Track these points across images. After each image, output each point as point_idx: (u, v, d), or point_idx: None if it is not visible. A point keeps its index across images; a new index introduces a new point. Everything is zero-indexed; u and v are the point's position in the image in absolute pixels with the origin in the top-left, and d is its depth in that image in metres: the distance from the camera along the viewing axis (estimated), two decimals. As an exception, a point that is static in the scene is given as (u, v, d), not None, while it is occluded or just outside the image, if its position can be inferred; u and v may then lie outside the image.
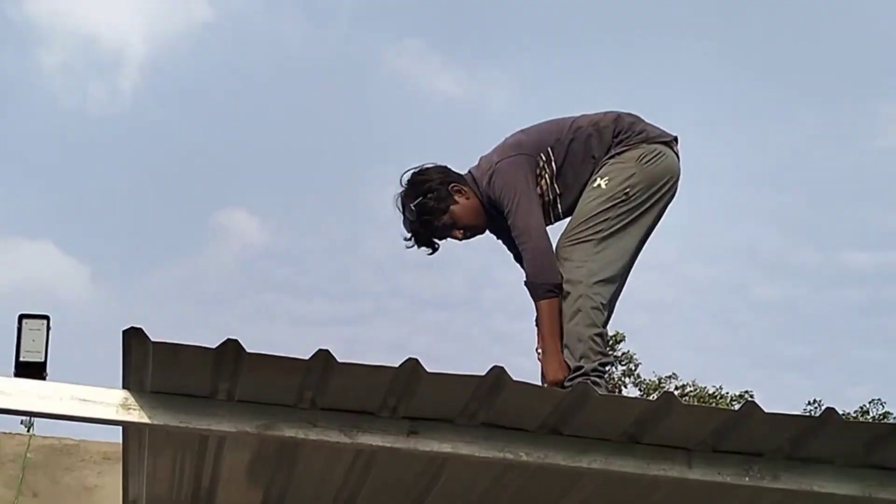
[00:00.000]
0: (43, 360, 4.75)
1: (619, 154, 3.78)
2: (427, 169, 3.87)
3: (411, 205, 3.80)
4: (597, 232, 3.67)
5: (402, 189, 3.86)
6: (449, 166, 3.91)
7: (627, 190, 3.71)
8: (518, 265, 3.93)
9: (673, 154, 3.84)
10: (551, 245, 3.71)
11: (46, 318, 4.66)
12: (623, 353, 19.54)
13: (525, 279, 3.72)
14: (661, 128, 3.90)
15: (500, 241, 3.98)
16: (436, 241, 3.87)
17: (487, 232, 3.94)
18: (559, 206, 3.80)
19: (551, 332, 3.63)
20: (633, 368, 19.38)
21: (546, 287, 3.64)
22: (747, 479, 2.91)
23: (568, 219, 3.80)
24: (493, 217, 3.84)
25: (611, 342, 18.93)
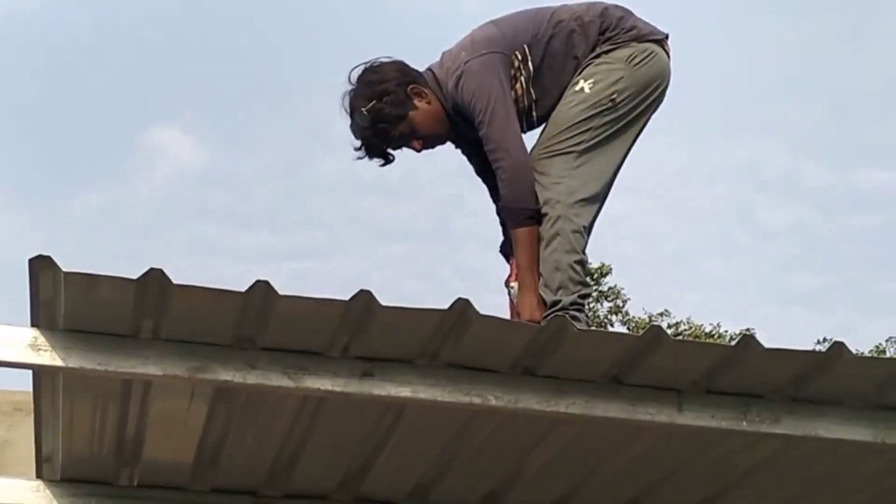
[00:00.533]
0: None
1: (605, 53, 3.73)
2: (382, 65, 3.78)
3: (363, 109, 3.70)
4: (578, 143, 3.64)
5: (352, 89, 3.76)
6: (406, 62, 3.83)
7: (615, 96, 3.68)
8: (481, 180, 3.91)
9: (664, 54, 3.81)
10: (531, 163, 3.67)
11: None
12: (609, 288, 19.73)
13: (501, 202, 3.69)
14: (652, 24, 3.86)
15: (459, 151, 3.94)
16: (390, 151, 3.81)
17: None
18: (534, 112, 3.76)
19: (529, 265, 3.62)
20: (621, 305, 19.60)
21: (526, 213, 3.61)
22: (744, 423, 2.95)
23: (543, 126, 3.77)
24: (457, 124, 3.79)
25: (595, 275, 19.08)
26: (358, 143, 3.76)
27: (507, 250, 3.83)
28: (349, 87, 3.76)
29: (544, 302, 3.56)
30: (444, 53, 3.82)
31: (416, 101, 3.73)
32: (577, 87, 3.71)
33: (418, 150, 3.80)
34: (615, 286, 19.83)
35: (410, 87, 3.73)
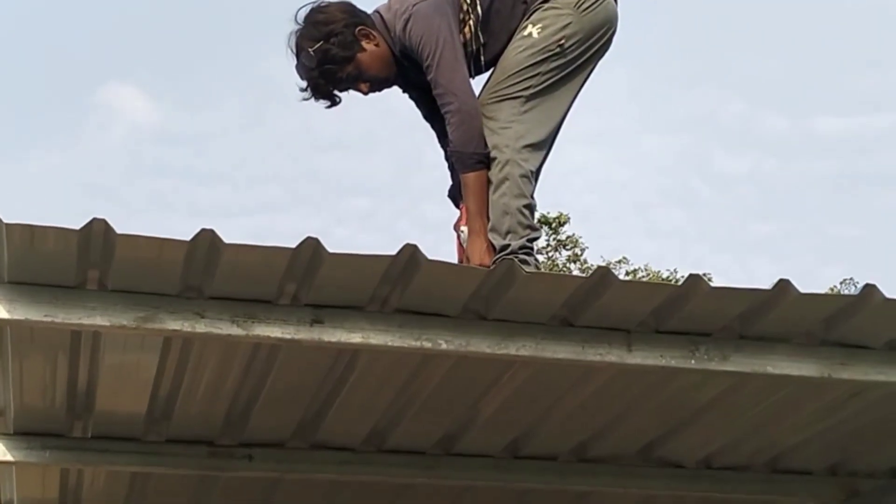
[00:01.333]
0: None
1: None
2: (329, 5, 3.71)
3: (310, 50, 3.64)
4: (525, 88, 3.62)
5: (299, 29, 3.69)
6: (354, 3, 3.77)
7: (562, 41, 3.66)
8: (430, 125, 3.88)
9: (612, 1, 3.79)
10: (479, 107, 3.64)
11: None
12: (567, 237, 19.76)
13: (450, 147, 3.67)
14: None
15: (406, 96, 3.91)
16: (337, 93, 3.77)
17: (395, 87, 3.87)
18: (483, 56, 3.72)
19: (479, 209, 3.60)
20: (579, 254, 19.63)
21: (475, 157, 3.59)
22: (693, 361, 2.96)
23: (491, 70, 3.74)
24: (405, 68, 3.75)
25: (553, 224, 19.11)
26: (304, 84, 3.72)
27: (455, 194, 3.81)
28: (296, 27, 3.71)
29: (493, 247, 3.55)
30: None
31: (363, 43, 3.68)
32: (526, 33, 3.68)
33: (365, 93, 3.76)
34: (573, 235, 19.87)
35: (358, 28, 3.68)
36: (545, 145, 3.64)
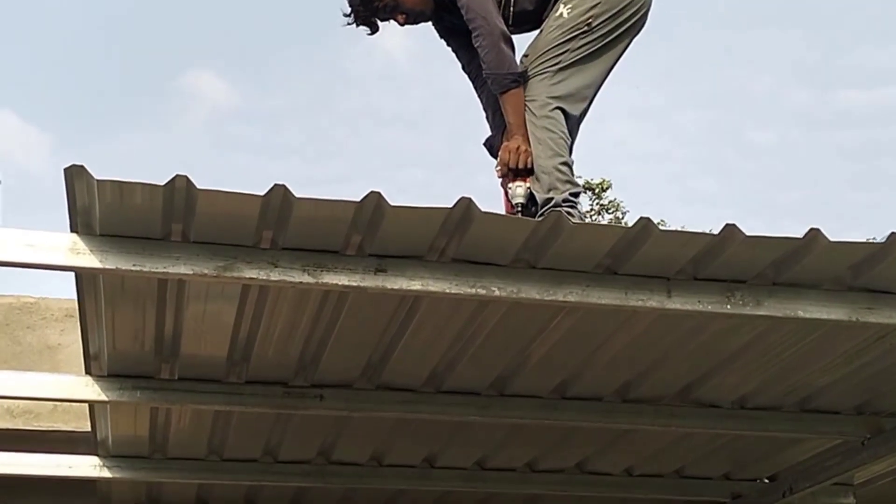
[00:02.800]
0: (-5, 216, 4.72)
1: None
2: None
3: None
4: (556, 63, 3.62)
5: None
6: None
7: (590, 21, 3.64)
8: (467, 76, 3.87)
9: None
10: (507, 31, 3.62)
11: (-4, 177, 4.62)
12: (610, 202, 19.59)
13: (485, 71, 3.65)
14: None
15: (449, 49, 3.89)
16: (377, 20, 3.78)
17: (448, 48, 3.85)
18: (511, 9, 3.70)
19: (518, 123, 3.61)
20: (620, 217, 19.43)
21: (510, 77, 3.59)
22: (729, 306, 2.92)
23: (524, 38, 3.73)
24: (443, 6, 3.72)
25: (597, 190, 18.97)
26: (348, 10, 3.75)
27: (491, 143, 3.81)
28: None
29: (529, 151, 3.55)
30: None
31: None
32: (557, 13, 3.68)
33: (401, 24, 3.80)
34: (615, 199, 19.71)
35: None
36: (576, 110, 3.62)
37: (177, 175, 2.45)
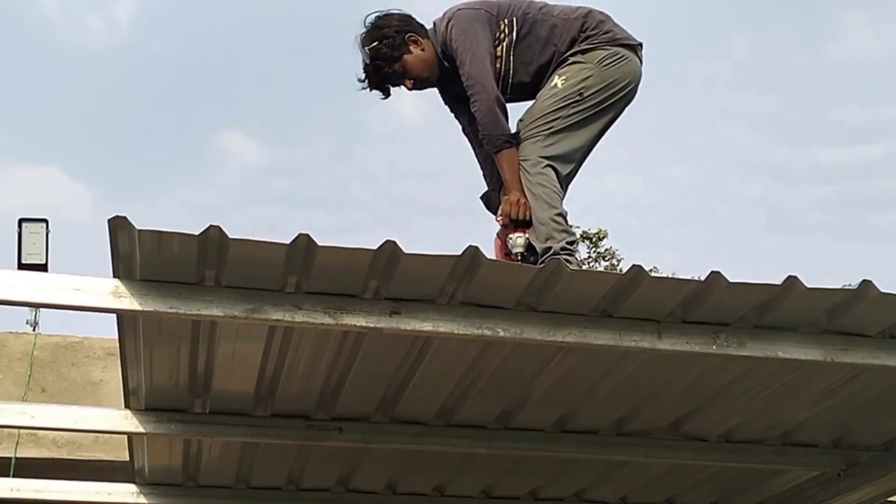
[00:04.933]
0: (44, 261, 4.76)
1: (582, 52, 3.71)
2: (389, 15, 3.79)
3: (367, 48, 3.73)
4: (549, 127, 3.65)
5: (363, 31, 3.78)
6: (413, 16, 3.83)
7: (582, 91, 3.67)
8: (467, 139, 3.90)
9: (636, 59, 3.78)
10: (501, 97, 3.65)
11: (45, 221, 4.65)
12: (606, 250, 19.56)
13: (481, 132, 3.69)
14: (628, 31, 3.83)
15: (452, 114, 3.93)
16: (388, 86, 3.81)
17: (451, 113, 3.89)
18: (510, 80, 3.73)
19: (514, 179, 3.64)
20: (616, 264, 19.39)
21: (503, 137, 3.62)
22: (714, 347, 2.91)
23: (520, 105, 3.76)
24: (448, 75, 3.76)
25: (593, 238, 18.97)
26: (362, 76, 3.77)
27: (489, 196, 3.85)
28: (362, 30, 3.79)
29: (529, 205, 3.57)
30: (446, 10, 3.83)
31: (411, 47, 3.74)
32: (552, 84, 3.72)
33: (409, 89, 3.83)
34: (611, 248, 19.69)
35: (408, 35, 3.75)
36: (565, 170, 3.66)
37: (210, 225, 2.47)
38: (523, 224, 3.65)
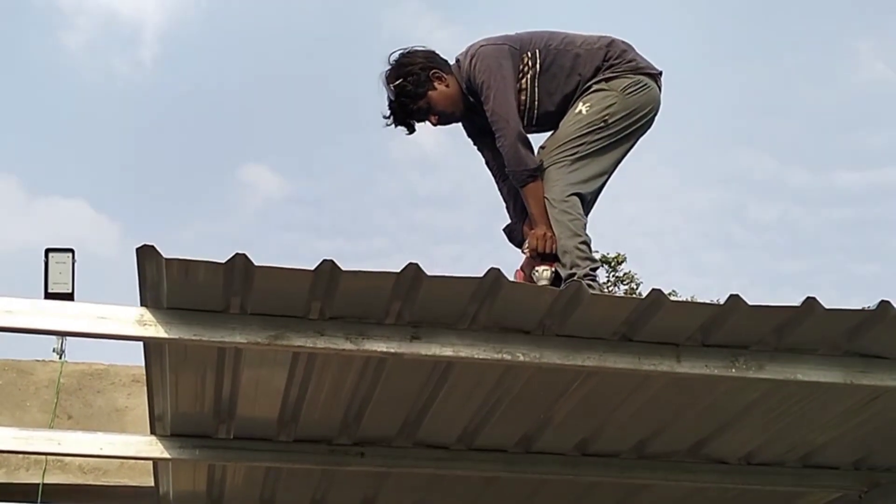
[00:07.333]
0: (70, 290, 4.80)
1: (606, 80, 3.74)
2: (414, 52, 3.81)
3: (391, 85, 3.75)
4: (574, 153, 3.67)
5: (387, 68, 3.80)
6: (437, 52, 3.85)
7: (607, 118, 3.70)
8: (489, 171, 3.92)
9: (656, 87, 3.81)
10: (524, 133, 3.68)
11: (71, 251, 4.69)
12: (625, 274, 19.53)
13: (507, 168, 3.71)
14: (649, 60, 3.86)
15: (475, 148, 3.95)
16: (412, 122, 3.83)
17: (472, 144, 3.91)
18: (535, 111, 3.75)
19: (540, 213, 3.66)
20: (635, 288, 19.35)
21: (528, 172, 3.64)
22: (734, 370, 2.91)
23: (544, 135, 3.78)
24: (472, 110, 3.78)
25: (613, 263, 18.93)
26: (387, 113, 3.80)
27: (511, 228, 3.87)
28: (386, 67, 3.80)
29: (554, 238, 3.59)
30: (469, 45, 3.83)
31: (435, 84, 3.75)
32: (577, 110, 3.73)
33: (434, 125, 3.84)
34: (630, 272, 19.66)
35: (432, 71, 3.76)
36: (588, 195, 3.67)
37: (237, 253, 2.49)
38: (550, 258, 3.67)
